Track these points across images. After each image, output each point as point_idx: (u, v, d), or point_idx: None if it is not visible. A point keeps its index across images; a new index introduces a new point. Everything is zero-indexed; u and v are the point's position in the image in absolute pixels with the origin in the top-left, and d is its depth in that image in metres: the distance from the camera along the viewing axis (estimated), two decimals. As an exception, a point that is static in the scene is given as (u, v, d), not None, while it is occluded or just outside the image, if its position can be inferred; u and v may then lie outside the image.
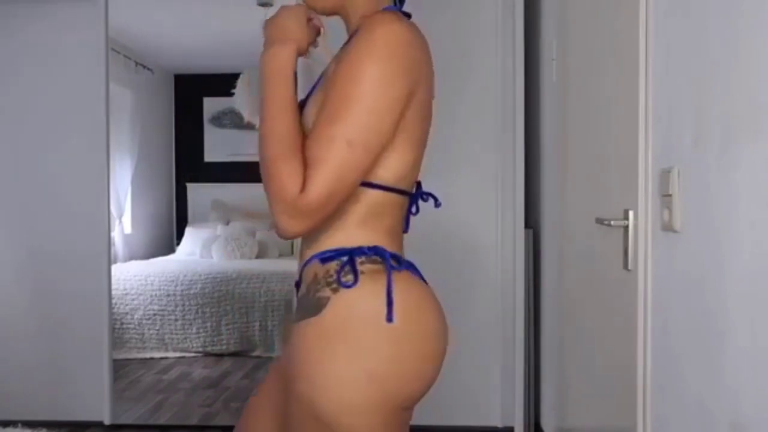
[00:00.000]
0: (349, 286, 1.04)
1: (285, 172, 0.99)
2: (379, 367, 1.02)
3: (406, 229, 1.18)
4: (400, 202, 1.13)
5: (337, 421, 1.01)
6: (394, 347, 1.03)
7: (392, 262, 1.06)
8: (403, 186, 1.11)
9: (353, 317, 1.03)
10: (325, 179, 0.98)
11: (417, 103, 1.06)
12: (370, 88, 1.00)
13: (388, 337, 1.02)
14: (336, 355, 1.02)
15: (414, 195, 1.18)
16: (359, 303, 1.04)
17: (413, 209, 1.19)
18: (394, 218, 1.12)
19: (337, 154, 0.98)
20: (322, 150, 0.99)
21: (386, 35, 1.01)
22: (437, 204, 1.21)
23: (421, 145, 1.12)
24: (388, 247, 1.09)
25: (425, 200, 1.21)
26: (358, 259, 1.06)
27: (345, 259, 1.06)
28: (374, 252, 1.07)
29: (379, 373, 1.02)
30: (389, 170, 1.07)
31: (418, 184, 1.19)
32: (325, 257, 1.08)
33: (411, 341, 1.04)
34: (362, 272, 1.05)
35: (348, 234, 1.08)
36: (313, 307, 1.06)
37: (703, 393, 1.19)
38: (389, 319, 1.02)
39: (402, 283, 1.06)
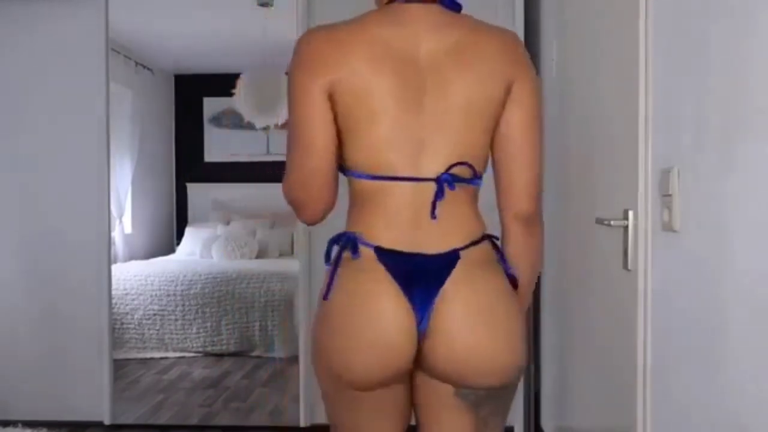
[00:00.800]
0: (327, 267, 1.23)
1: None
2: (317, 339, 1.21)
3: (432, 215, 1.17)
4: (389, 188, 1.17)
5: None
6: (325, 323, 1.19)
7: (359, 246, 1.17)
8: (378, 172, 1.17)
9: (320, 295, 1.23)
10: (284, 176, 1.23)
11: (349, 93, 1.15)
12: (290, 96, 1.19)
13: (323, 314, 1.20)
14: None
15: (438, 181, 1.17)
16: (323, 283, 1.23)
17: (440, 196, 1.17)
18: (389, 204, 1.18)
19: (287, 156, 1.21)
20: None
21: (296, 46, 1.21)
22: (451, 186, 1.18)
23: (366, 129, 1.16)
24: (370, 233, 1.18)
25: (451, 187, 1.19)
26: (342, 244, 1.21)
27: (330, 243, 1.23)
28: (346, 238, 1.20)
29: (317, 345, 1.21)
30: (349, 159, 1.20)
31: (449, 169, 1.17)
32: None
33: (334, 319, 1.17)
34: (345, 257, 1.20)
35: (348, 221, 1.24)
36: None
37: (703, 393, 1.19)
38: (324, 296, 1.20)
39: (351, 267, 1.18)
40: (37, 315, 3.23)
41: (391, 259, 1.15)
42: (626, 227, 1.49)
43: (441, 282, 1.15)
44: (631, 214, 1.48)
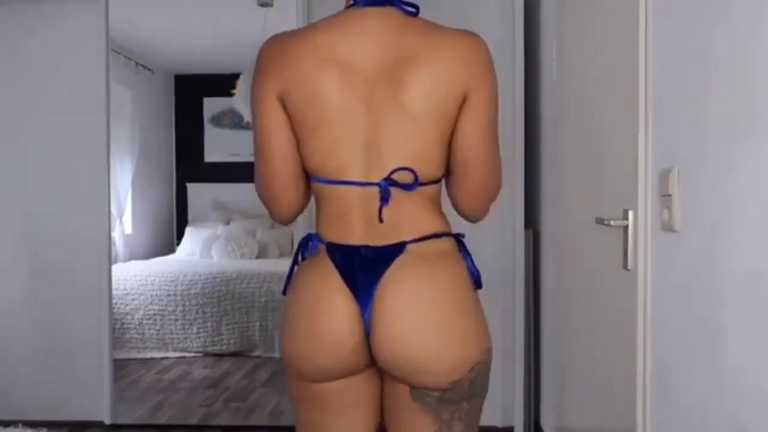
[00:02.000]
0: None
1: None
2: (280, 334, 1.26)
3: (379, 219, 1.17)
4: (339, 190, 1.19)
5: None
6: (283, 317, 1.24)
7: (318, 244, 1.22)
8: (329, 175, 1.19)
9: None
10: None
11: (297, 99, 1.17)
12: (251, 103, 1.26)
13: (285, 307, 1.24)
14: None
15: (381, 185, 1.16)
16: None
17: (385, 202, 1.17)
18: (340, 205, 1.20)
19: (254, 160, 1.29)
20: None
21: (258, 52, 1.23)
22: (387, 193, 1.17)
23: (314, 133, 1.18)
24: (325, 231, 1.22)
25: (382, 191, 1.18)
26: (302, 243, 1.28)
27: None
28: (306, 237, 1.26)
29: (280, 340, 1.25)
30: (305, 163, 1.23)
31: (390, 174, 1.16)
32: None
33: (288, 312, 1.22)
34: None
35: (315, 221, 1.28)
36: None
37: (703, 393, 1.19)
38: (282, 291, 1.28)
39: (305, 264, 1.24)
40: (38, 315, 3.23)
41: (338, 252, 1.19)
42: (626, 227, 1.49)
43: (381, 272, 1.16)
44: (631, 214, 1.48)
